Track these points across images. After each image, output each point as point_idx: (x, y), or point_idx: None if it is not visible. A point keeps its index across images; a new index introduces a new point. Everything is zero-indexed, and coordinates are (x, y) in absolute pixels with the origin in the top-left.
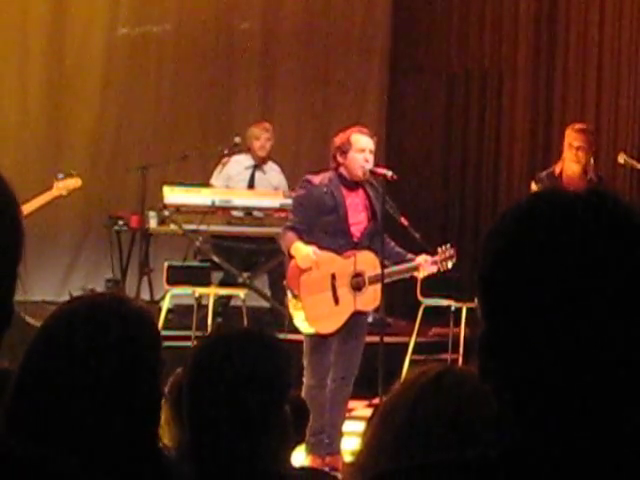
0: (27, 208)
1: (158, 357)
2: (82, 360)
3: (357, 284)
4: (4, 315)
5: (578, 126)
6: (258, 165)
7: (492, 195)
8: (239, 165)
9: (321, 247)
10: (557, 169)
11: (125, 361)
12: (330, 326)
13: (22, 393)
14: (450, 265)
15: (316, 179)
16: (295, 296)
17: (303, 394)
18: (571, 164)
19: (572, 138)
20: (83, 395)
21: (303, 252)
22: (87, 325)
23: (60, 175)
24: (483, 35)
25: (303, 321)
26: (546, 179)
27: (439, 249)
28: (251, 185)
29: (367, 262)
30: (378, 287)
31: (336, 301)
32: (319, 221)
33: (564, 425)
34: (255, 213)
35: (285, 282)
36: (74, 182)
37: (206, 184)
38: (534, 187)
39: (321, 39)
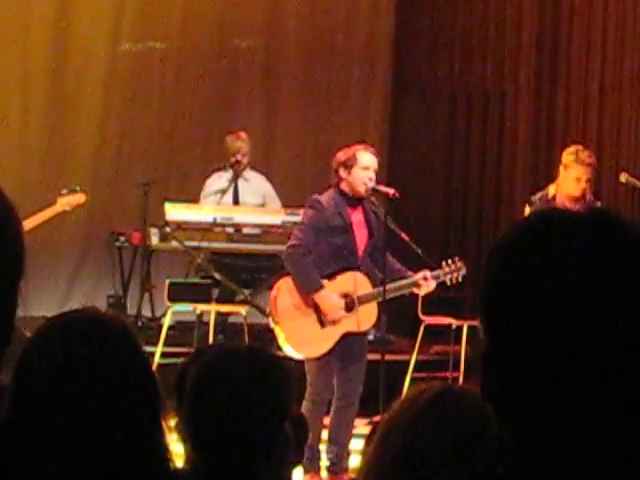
0: (29, 223)
1: (150, 367)
2: (74, 372)
3: (346, 305)
4: (5, 333)
5: (586, 158)
6: (238, 175)
7: (494, 213)
8: (221, 180)
9: (328, 267)
10: (551, 191)
11: (119, 371)
12: (317, 350)
13: (16, 406)
14: (461, 278)
15: (323, 199)
16: (276, 323)
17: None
18: (571, 192)
19: (579, 173)
20: (78, 406)
21: (333, 304)
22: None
23: (64, 191)
24: (486, 54)
25: (289, 348)
26: (540, 201)
27: (444, 263)
28: (235, 195)
29: (357, 282)
30: (373, 306)
31: (321, 324)
32: (326, 242)
33: (569, 443)
34: (253, 230)
35: (268, 310)
36: (78, 198)
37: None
38: (528, 210)
39: (323, 57)
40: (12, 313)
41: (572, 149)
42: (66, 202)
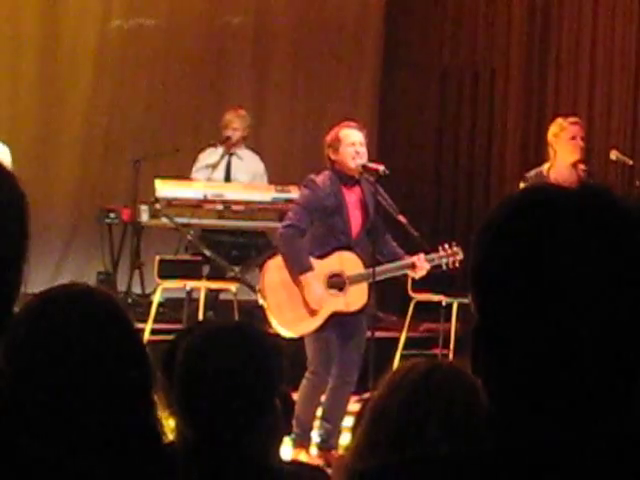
0: None
1: (141, 340)
2: (62, 348)
3: (336, 284)
4: (6, 319)
5: (572, 119)
6: (233, 152)
7: (484, 190)
8: (214, 153)
9: (322, 247)
10: (545, 167)
11: (109, 345)
12: (303, 328)
13: (4, 386)
14: (457, 264)
15: (318, 179)
16: (264, 299)
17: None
18: (571, 155)
19: (573, 131)
20: (68, 383)
21: (316, 294)
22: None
23: None
24: (476, 32)
25: (277, 326)
26: (534, 178)
27: (440, 247)
28: (228, 172)
29: (347, 262)
30: (364, 287)
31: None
32: (321, 222)
33: (558, 417)
34: (243, 207)
35: (258, 287)
36: None
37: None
38: (522, 186)
39: (314, 34)
40: (14, 296)
41: (555, 121)
42: None
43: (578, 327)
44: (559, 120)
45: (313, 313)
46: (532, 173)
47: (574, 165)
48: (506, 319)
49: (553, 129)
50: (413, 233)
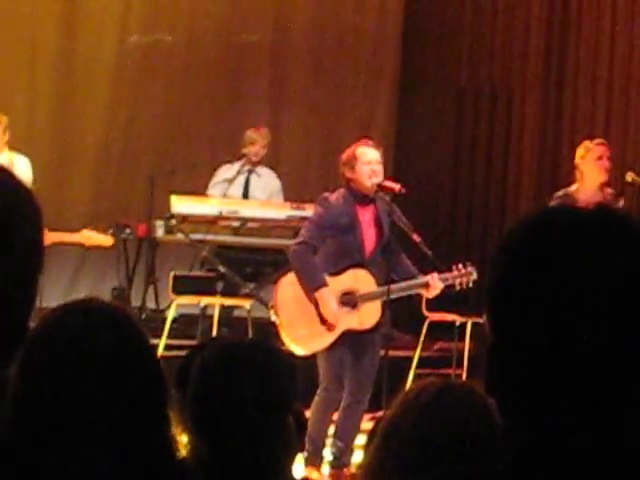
0: (52, 237)
1: (155, 355)
2: (78, 362)
3: (348, 302)
4: (22, 334)
5: (598, 140)
6: (252, 169)
7: (499, 211)
8: (232, 169)
9: (335, 265)
10: (573, 188)
11: (124, 361)
12: (315, 345)
13: (20, 398)
14: (471, 284)
15: (332, 197)
16: (277, 316)
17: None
18: (598, 176)
19: (599, 152)
20: (83, 397)
21: (332, 309)
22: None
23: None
24: (493, 52)
25: (289, 343)
26: (562, 198)
27: (454, 267)
28: (246, 188)
29: (360, 280)
30: (377, 305)
31: (322, 320)
32: (334, 240)
33: (576, 436)
34: (258, 224)
35: (271, 304)
36: (103, 240)
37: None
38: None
39: (331, 53)
40: (29, 311)
41: (582, 143)
42: (90, 236)
43: (597, 348)
44: (586, 142)
45: (327, 329)
46: (560, 193)
47: (601, 187)
48: (522, 339)
49: (580, 151)
50: (427, 252)
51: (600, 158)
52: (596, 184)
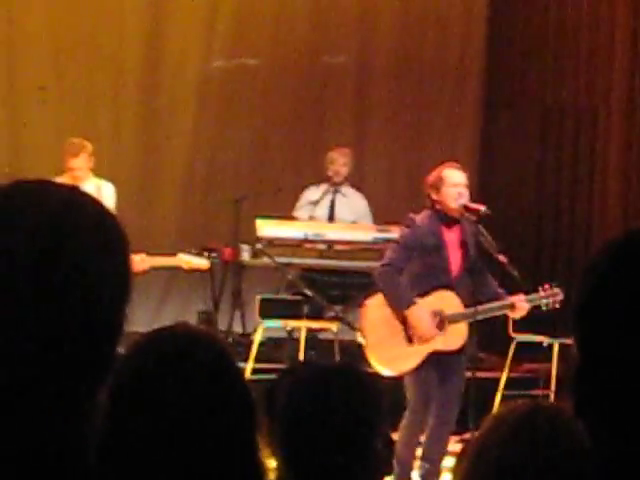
0: (150, 261)
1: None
2: (170, 391)
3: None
4: (111, 360)
5: None
6: (337, 189)
7: (585, 232)
8: (317, 191)
9: (421, 286)
10: None
11: (216, 389)
12: (402, 367)
13: (112, 425)
14: (558, 304)
15: (418, 218)
16: (364, 338)
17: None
18: None
19: None
20: (175, 425)
21: (427, 324)
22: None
23: (193, 251)
24: (578, 71)
25: (376, 364)
26: None
27: (540, 288)
28: (332, 209)
29: (447, 301)
30: (463, 326)
31: (409, 341)
32: (420, 261)
33: None
34: (344, 247)
35: (358, 326)
36: (199, 263)
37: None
38: None
39: (414, 74)
40: (119, 338)
41: None
42: (186, 260)
43: None
44: None
45: (423, 342)
46: None
47: None
48: (611, 361)
49: None
50: (513, 273)
51: None
52: None
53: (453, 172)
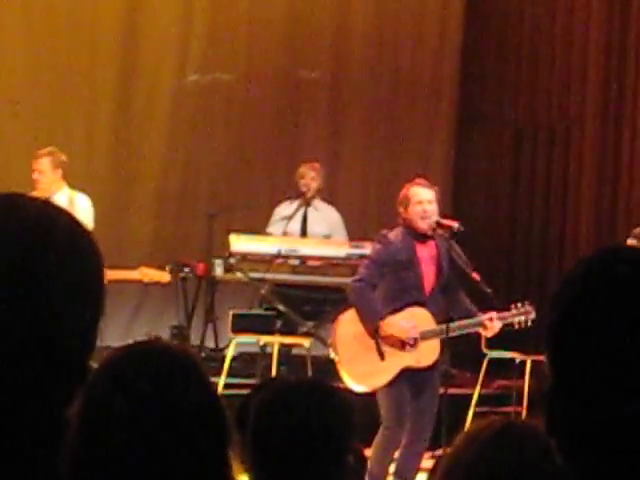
0: (109, 275)
1: (220, 401)
2: (143, 407)
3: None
4: (83, 372)
5: None
6: (309, 203)
7: (558, 249)
8: (291, 207)
9: (394, 302)
10: None
11: (189, 407)
12: (374, 383)
13: (82, 441)
14: (529, 323)
15: (391, 234)
16: (336, 354)
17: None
18: None
19: None
20: (147, 441)
21: (405, 326)
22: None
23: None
24: (551, 90)
25: (348, 380)
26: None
27: (512, 305)
28: (304, 223)
29: (419, 318)
30: (435, 343)
31: (381, 356)
32: (393, 277)
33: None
34: (317, 262)
35: (330, 341)
36: (160, 276)
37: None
38: (630, 242)
39: (389, 90)
40: (91, 352)
41: None
42: (147, 273)
43: None
44: None
45: (410, 348)
46: (638, 230)
47: None
48: (583, 380)
49: None
50: (486, 290)
51: None
52: None
53: (419, 190)
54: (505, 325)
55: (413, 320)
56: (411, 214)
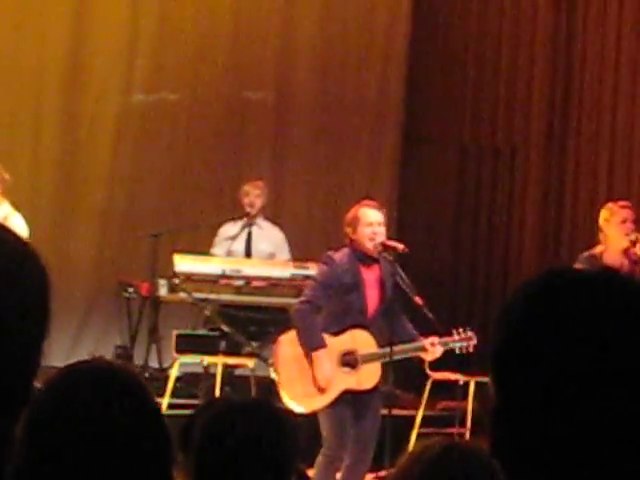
0: None
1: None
2: (86, 426)
3: (348, 362)
4: (27, 393)
5: (622, 203)
6: (252, 222)
7: (502, 268)
8: (235, 227)
9: (338, 324)
10: (598, 250)
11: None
12: (313, 404)
13: (27, 460)
14: (471, 349)
15: (337, 256)
16: (277, 374)
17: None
18: (622, 240)
19: (623, 215)
20: (90, 460)
21: (325, 372)
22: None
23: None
24: (496, 110)
25: (288, 400)
26: (587, 260)
27: (454, 331)
28: (248, 242)
29: (361, 341)
30: (377, 366)
31: (315, 384)
32: (337, 299)
33: None
34: (261, 283)
35: (271, 361)
36: None
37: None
38: (577, 266)
39: (334, 110)
40: (35, 372)
41: (606, 206)
42: None
43: (602, 412)
44: (609, 205)
45: (322, 390)
46: (585, 255)
47: (625, 250)
48: (526, 402)
49: (604, 214)
50: (429, 315)
51: (624, 221)
52: (621, 247)
53: (369, 211)
54: (446, 350)
55: (348, 356)
56: (360, 235)
